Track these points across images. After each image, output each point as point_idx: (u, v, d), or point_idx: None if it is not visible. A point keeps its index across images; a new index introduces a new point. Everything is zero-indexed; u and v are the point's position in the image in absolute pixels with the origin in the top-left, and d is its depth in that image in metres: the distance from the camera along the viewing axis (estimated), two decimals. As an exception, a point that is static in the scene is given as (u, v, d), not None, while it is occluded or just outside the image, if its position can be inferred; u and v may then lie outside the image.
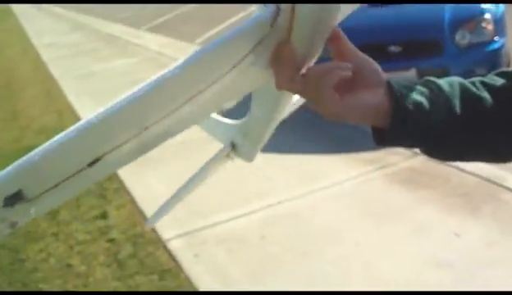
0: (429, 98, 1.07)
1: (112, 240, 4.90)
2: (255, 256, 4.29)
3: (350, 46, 1.08)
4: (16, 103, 11.22)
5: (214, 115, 1.78)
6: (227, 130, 1.68)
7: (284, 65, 1.02)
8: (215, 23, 15.74)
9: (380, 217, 4.49)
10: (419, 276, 3.77)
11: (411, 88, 1.08)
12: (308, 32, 0.99)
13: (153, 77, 0.93)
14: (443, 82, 1.11)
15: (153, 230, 4.87)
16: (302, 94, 1.05)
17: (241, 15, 15.56)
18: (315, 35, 1.01)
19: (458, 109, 1.08)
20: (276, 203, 4.95)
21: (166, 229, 4.84)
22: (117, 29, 20.11)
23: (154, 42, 15.37)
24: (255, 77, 1.09)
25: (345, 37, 1.07)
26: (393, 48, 6.34)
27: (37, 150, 0.91)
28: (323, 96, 1.03)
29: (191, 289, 4.02)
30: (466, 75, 1.21)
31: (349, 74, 1.04)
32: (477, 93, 1.10)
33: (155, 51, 13.86)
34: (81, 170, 0.98)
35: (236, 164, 5.49)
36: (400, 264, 3.92)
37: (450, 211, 4.44)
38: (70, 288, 4.33)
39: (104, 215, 5.38)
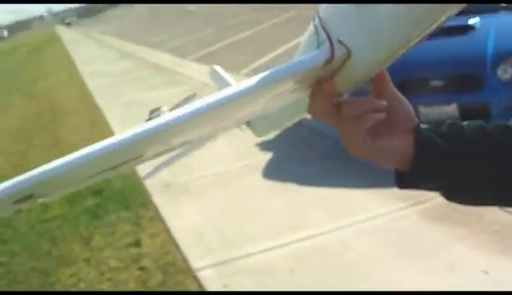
0: (450, 142, 1.06)
1: (142, 268, 4.91)
2: (283, 290, 4.25)
3: (391, 86, 1.08)
4: (58, 130, 11.38)
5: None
6: None
7: (322, 98, 1.01)
8: (261, 54, 15.82)
9: (411, 254, 4.41)
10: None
11: (438, 134, 1.07)
12: (354, 78, 1.01)
13: (194, 106, 0.94)
14: (468, 128, 1.09)
15: (185, 260, 4.87)
16: (334, 126, 1.04)
17: (288, 45, 15.63)
18: (360, 79, 1.03)
19: (474, 154, 1.06)
20: (309, 237, 4.91)
21: (198, 258, 4.85)
22: (164, 58, 20.31)
23: (199, 72, 15.48)
24: (290, 98, 1.14)
25: (388, 77, 1.07)
26: (434, 83, 6.28)
27: (58, 163, 0.90)
28: (355, 138, 1.03)
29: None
30: (507, 111, 1.19)
31: (383, 117, 1.03)
32: (498, 137, 1.07)
33: (200, 81, 13.94)
34: (99, 173, 1.01)
35: (273, 196, 5.48)
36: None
37: (480, 248, 4.34)
38: (97, 314, 4.34)
39: (137, 243, 5.40)
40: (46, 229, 6.10)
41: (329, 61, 0.94)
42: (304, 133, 7.21)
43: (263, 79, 0.93)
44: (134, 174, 6.71)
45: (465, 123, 1.10)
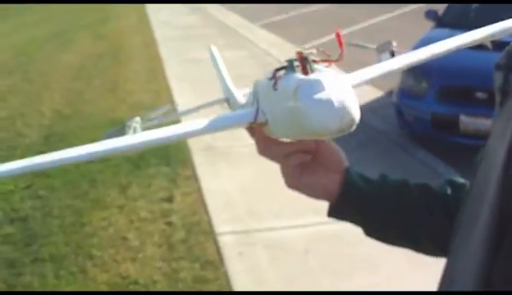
0: (374, 192, 1.28)
1: (169, 223, 5.21)
2: (294, 268, 4.51)
3: None
4: (118, 74, 11.65)
5: None
6: None
7: (256, 138, 1.22)
8: (330, 30, 15.76)
9: (421, 257, 4.56)
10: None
11: (364, 180, 1.29)
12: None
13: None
14: (390, 179, 1.31)
15: (210, 222, 5.15)
16: (274, 161, 1.26)
17: (360, 26, 15.68)
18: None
19: (390, 208, 1.28)
20: (329, 222, 5.09)
21: (222, 223, 5.14)
22: (232, 19, 20.38)
23: (264, 39, 15.60)
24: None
25: None
26: (480, 94, 6.39)
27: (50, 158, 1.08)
28: (285, 172, 1.25)
29: (226, 284, 4.27)
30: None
31: (308, 159, 1.25)
32: (417, 198, 1.28)
33: (263, 49, 14.09)
34: None
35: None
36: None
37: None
38: (119, 259, 4.65)
39: (170, 199, 5.68)
40: (88, 170, 6.42)
41: (251, 123, 1.15)
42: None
43: (203, 127, 1.12)
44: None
45: (393, 178, 1.31)
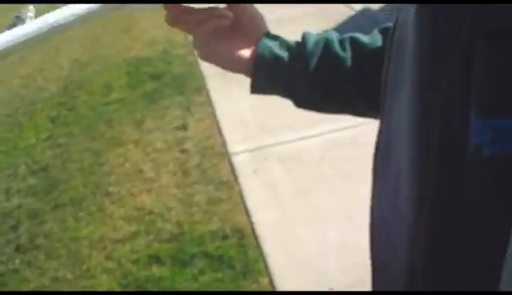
0: (291, 55, 1.15)
1: (184, 150, 5.19)
2: (309, 177, 4.46)
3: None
4: (131, 16, 11.55)
5: None
6: None
7: (169, 6, 1.15)
8: None
9: None
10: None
11: (280, 44, 1.17)
12: None
13: None
14: (312, 38, 1.17)
15: (224, 144, 5.11)
16: (187, 32, 1.19)
17: None
18: None
19: (312, 68, 1.14)
20: (343, 128, 5.03)
21: (236, 143, 5.09)
22: None
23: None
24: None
25: None
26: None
27: None
28: (197, 40, 1.17)
29: (240, 201, 4.24)
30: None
31: (226, 23, 1.16)
32: (339, 53, 1.15)
33: None
34: None
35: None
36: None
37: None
38: (135, 192, 4.66)
39: (184, 127, 5.63)
40: (105, 111, 6.40)
41: None
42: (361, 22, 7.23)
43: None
44: (195, 59, 6.94)
45: (316, 37, 1.17)
